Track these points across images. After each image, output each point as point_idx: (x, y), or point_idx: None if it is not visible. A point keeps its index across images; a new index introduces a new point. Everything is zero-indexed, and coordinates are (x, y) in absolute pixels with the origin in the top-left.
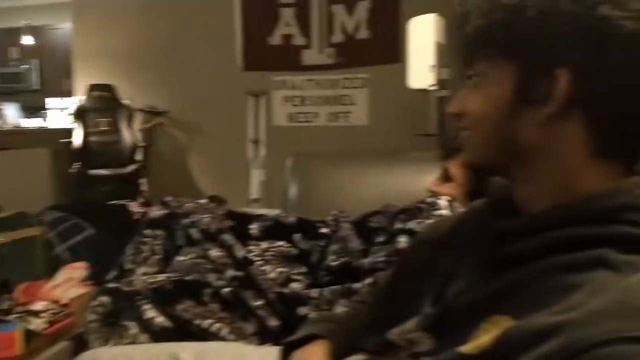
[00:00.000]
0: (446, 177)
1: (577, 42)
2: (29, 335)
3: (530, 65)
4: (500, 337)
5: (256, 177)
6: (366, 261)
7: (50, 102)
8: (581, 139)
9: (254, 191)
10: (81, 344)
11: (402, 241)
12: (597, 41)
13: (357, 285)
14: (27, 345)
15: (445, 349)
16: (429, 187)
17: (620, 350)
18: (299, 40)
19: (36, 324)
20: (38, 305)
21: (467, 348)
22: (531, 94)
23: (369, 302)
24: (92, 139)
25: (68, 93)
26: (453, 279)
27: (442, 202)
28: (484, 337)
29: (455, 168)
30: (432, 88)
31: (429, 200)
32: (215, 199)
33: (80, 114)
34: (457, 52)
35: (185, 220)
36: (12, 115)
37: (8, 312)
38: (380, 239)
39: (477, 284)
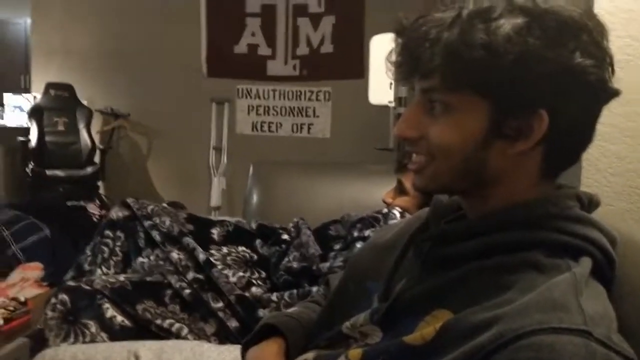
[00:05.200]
0: (400, 190)
1: (554, 85)
2: None
3: (508, 105)
4: (441, 329)
5: (217, 185)
6: (325, 266)
7: (6, 98)
8: (536, 165)
9: (215, 199)
10: (40, 341)
11: (359, 247)
12: (570, 85)
13: (315, 289)
14: None
15: (392, 339)
16: (384, 199)
17: (541, 339)
18: (264, 51)
19: None
20: None
21: (410, 338)
22: (506, 129)
23: (322, 303)
24: (49, 138)
25: (25, 90)
26: (397, 277)
27: (397, 212)
28: (426, 329)
29: (408, 182)
30: (391, 105)
31: (384, 211)
32: (175, 206)
33: (36, 113)
34: (404, 70)
35: (147, 223)
36: None
37: None
38: (338, 246)
39: (420, 282)
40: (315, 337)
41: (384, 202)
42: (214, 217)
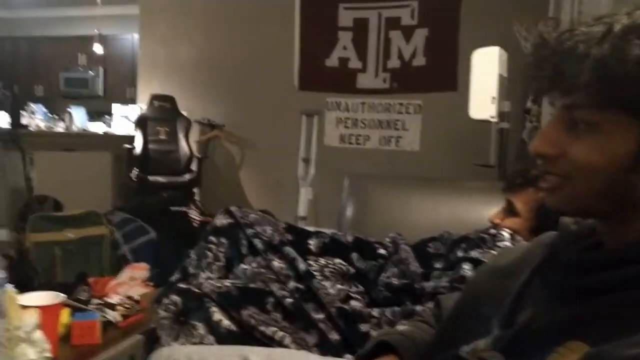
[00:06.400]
0: (509, 211)
1: None
2: (106, 325)
3: None
4: None
5: (305, 195)
6: (429, 285)
7: (115, 108)
8: None
9: (302, 209)
10: (152, 339)
11: (466, 269)
12: None
13: (419, 308)
14: (103, 334)
15: None
16: (491, 219)
17: None
18: (355, 64)
19: (112, 315)
20: (114, 299)
21: None
22: None
23: (433, 324)
24: (152, 146)
25: (130, 101)
26: (522, 304)
27: (506, 234)
28: None
29: (520, 203)
30: (493, 120)
31: (492, 231)
32: (265, 214)
33: (141, 122)
34: (544, 85)
35: (250, 231)
36: (80, 118)
37: (87, 302)
38: (439, 264)
39: (549, 311)
40: (429, 357)
41: (492, 222)
42: (303, 227)
